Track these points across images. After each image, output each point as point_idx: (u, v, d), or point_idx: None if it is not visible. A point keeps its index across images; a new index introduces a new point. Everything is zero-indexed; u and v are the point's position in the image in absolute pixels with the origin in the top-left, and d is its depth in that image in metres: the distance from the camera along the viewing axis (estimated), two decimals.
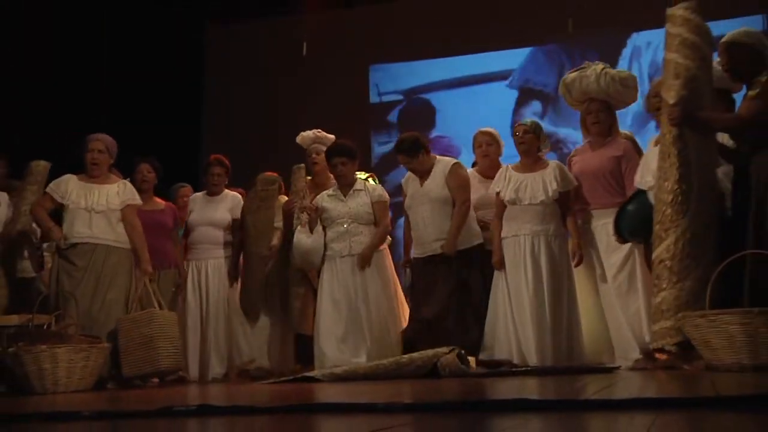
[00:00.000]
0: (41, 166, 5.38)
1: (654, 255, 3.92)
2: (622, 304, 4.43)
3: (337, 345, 5.02)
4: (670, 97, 3.97)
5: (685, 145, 3.94)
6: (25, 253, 5.43)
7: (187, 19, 8.91)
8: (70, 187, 4.99)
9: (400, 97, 9.21)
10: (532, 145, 4.87)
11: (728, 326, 3.46)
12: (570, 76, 4.88)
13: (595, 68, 4.78)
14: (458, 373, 4.32)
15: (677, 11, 4.10)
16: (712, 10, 7.52)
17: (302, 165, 5.64)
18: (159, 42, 8.39)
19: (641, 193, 4.45)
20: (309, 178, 5.76)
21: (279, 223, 5.53)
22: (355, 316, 5.04)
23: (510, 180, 4.82)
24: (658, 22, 4.39)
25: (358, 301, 5.06)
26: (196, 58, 9.52)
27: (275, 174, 5.65)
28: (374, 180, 5.92)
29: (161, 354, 4.70)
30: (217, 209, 5.60)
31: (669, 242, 3.86)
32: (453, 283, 4.87)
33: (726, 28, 4.39)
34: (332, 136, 5.70)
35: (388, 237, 5.75)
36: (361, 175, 5.88)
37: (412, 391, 3.18)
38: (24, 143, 5.89)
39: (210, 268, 5.52)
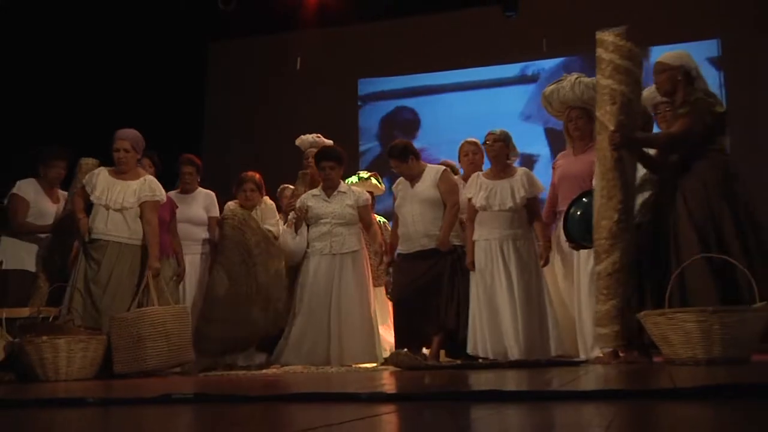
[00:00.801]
0: (90, 163, 5.34)
1: (601, 267, 3.94)
2: (592, 303, 4.39)
3: (301, 340, 5.02)
4: (610, 122, 3.99)
5: (624, 166, 4.00)
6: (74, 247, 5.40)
7: (191, 36, 8.94)
8: (98, 182, 4.92)
9: (385, 106, 9.24)
10: (501, 153, 4.90)
11: (685, 323, 3.48)
12: (548, 89, 4.88)
13: (570, 78, 4.79)
14: (412, 365, 4.38)
15: (608, 37, 4.10)
16: (669, 34, 7.64)
17: (307, 171, 5.63)
18: (165, 55, 8.43)
19: (584, 196, 4.48)
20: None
21: (274, 227, 5.50)
22: (327, 313, 5.04)
23: (481, 187, 4.84)
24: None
25: (333, 299, 5.06)
26: (198, 70, 9.58)
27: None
28: (377, 179, 5.93)
29: (149, 354, 4.52)
30: (191, 207, 5.53)
31: (615, 257, 3.92)
32: (439, 277, 4.89)
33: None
34: (330, 142, 5.68)
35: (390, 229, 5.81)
36: (363, 174, 5.91)
37: (395, 382, 3.17)
38: (30, 145, 5.85)
39: (187, 264, 5.41)
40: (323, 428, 1.39)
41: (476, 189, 4.86)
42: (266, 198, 5.63)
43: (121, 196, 4.90)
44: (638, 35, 4.21)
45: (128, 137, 4.99)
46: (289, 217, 5.37)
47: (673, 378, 2.51)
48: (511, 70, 8.76)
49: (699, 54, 8.18)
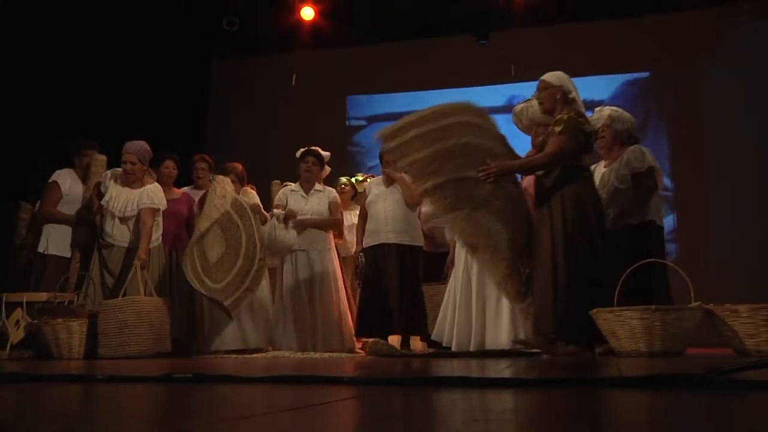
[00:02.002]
0: (101, 159, 5.32)
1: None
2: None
3: (288, 330, 4.99)
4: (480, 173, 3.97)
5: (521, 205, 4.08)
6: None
7: (199, 54, 9.02)
8: (109, 187, 4.93)
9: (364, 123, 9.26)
10: None
11: (630, 320, 3.51)
12: (518, 106, 4.80)
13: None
14: (388, 353, 4.36)
15: (458, 107, 4.11)
16: (616, 65, 7.70)
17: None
18: (175, 70, 8.46)
19: None
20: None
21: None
22: (306, 305, 5.00)
23: None
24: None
25: (311, 292, 5.03)
26: (204, 85, 9.58)
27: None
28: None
29: (133, 340, 4.38)
30: None
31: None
32: (399, 269, 4.88)
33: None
34: (327, 153, 5.64)
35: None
36: (360, 177, 5.91)
37: (373, 368, 3.16)
38: (56, 151, 5.83)
39: None
40: (310, 407, 1.39)
41: None
42: (247, 188, 5.45)
43: (124, 205, 4.89)
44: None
45: (134, 150, 4.94)
46: (275, 212, 5.30)
47: (620, 368, 2.52)
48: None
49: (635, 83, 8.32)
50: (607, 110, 4.71)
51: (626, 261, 3.82)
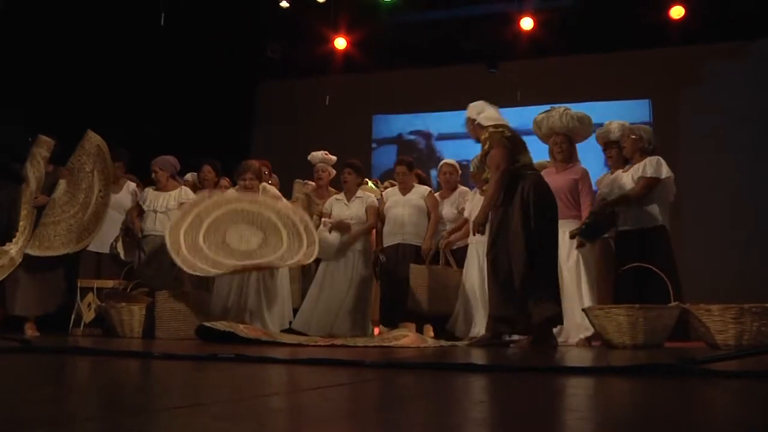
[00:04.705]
0: (93, 139, 5.14)
1: None
2: (572, 296, 4.10)
3: (313, 315, 4.91)
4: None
5: None
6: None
7: (246, 77, 9.06)
8: (147, 196, 5.17)
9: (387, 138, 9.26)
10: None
11: (618, 317, 3.46)
12: (539, 116, 4.63)
13: (559, 110, 4.54)
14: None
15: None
16: (617, 92, 7.58)
17: (307, 182, 5.56)
18: (226, 92, 8.49)
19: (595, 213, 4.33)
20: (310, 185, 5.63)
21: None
22: (337, 298, 4.93)
23: (473, 201, 4.75)
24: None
25: (343, 286, 4.95)
26: (250, 104, 9.61)
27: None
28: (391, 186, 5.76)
29: (186, 326, 4.36)
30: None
31: None
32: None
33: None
34: (334, 158, 5.60)
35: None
36: (381, 184, 5.84)
37: (391, 354, 3.15)
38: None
39: None
40: (337, 386, 1.39)
41: (471, 203, 4.74)
42: (264, 185, 5.10)
43: (164, 202, 5.08)
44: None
45: (155, 162, 5.22)
46: (324, 220, 5.21)
47: (608, 358, 2.49)
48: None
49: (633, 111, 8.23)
50: (615, 124, 4.59)
51: (638, 261, 3.74)
